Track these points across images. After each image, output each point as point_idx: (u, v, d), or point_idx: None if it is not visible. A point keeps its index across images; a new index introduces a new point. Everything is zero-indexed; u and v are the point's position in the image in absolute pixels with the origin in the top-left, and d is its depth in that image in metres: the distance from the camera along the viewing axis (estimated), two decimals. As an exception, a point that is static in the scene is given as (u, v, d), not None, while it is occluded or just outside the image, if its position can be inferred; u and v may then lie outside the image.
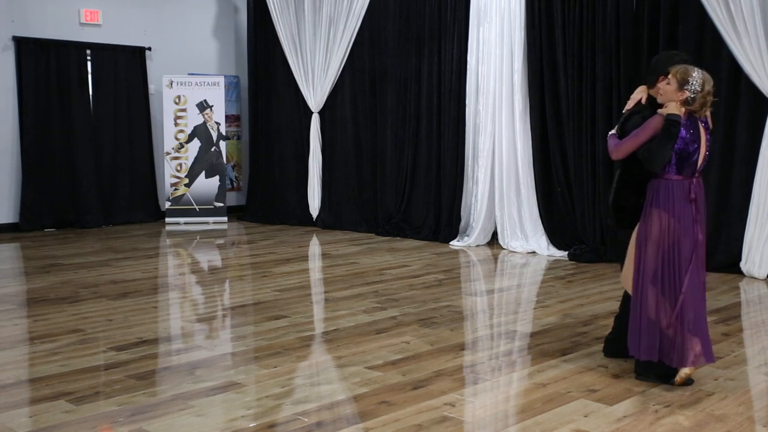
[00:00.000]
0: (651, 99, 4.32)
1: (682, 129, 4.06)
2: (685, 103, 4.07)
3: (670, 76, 4.10)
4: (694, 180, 4.16)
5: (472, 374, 4.48)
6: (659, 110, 4.16)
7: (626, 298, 4.47)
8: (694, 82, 4.04)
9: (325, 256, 8.73)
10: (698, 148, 4.11)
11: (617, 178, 4.41)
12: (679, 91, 4.07)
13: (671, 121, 4.05)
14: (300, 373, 4.51)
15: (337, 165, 10.70)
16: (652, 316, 4.13)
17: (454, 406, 3.93)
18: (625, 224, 4.37)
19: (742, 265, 7.13)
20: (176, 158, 11.12)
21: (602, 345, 4.78)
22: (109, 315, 5.81)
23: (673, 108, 4.08)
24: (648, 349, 4.15)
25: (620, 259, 4.53)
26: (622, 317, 4.54)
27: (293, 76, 10.92)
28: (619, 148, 4.24)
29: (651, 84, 4.33)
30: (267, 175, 11.39)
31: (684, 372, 4.13)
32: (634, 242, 4.27)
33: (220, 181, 11.22)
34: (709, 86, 4.07)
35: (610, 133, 4.40)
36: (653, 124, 4.12)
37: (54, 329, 5.40)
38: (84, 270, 7.60)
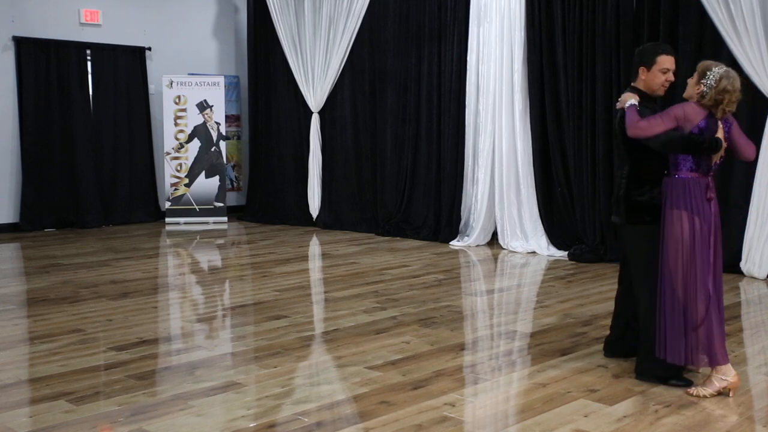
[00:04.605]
0: (639, 92, 4.22)
1: (702, 121, 3.97)
2: (700, 97, 3.99)
3: (697, 68, 4.04)
4: (709, 179, 4.08)
5: (472, 374, 4.48)
6: (685, 95, 4.07)
7: (633, 300, 4.37)
8: (711, 77, 3.95)
9: (325, 256, 8.73)
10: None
11: (626, 173, 4.24)
12: (697, 84, 4.01)
13: (694, 137, 3.97)
14: (300, 373, 4.51)
15: (337, 165, 10.69)
16: (685, 317, 4.01)
17: (454, 406, 3.93)
18: (636, 220, 4.21)
19: (742, 265, 7.13)
20: (176, 158, 11.12)
21: (602, 345, 4.78)
22: (109, 315, 5.82)
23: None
24: (674, 351, 4.04)
25: (622, 259, 4.54)
26: (622, 318, 4.56)
27: (293, 76, 10.92)
28: (641, 126, 3.98)
29: (633, 75, 4.28)
30: (267, 175, 11.39)
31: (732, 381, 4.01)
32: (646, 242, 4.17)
33: (220, 181, 11.22)
34: (726, 84, 3.94)
35: (629, 103, 4.09)
36: (678, 114, 4.00)
37: (54, 329, 5.41)
38: (84, 270, 7.60)
